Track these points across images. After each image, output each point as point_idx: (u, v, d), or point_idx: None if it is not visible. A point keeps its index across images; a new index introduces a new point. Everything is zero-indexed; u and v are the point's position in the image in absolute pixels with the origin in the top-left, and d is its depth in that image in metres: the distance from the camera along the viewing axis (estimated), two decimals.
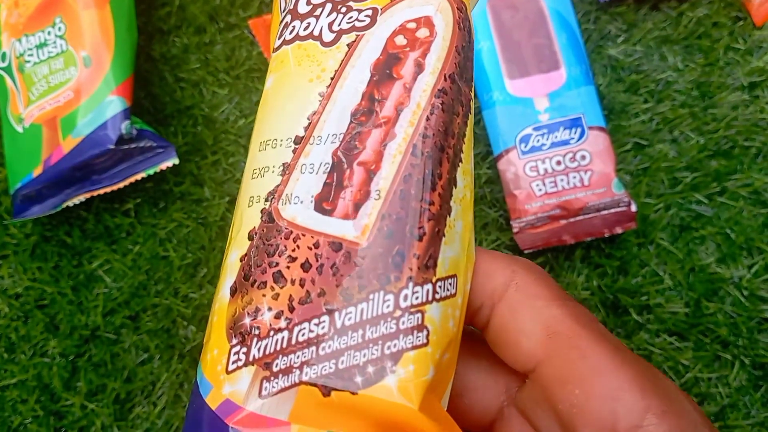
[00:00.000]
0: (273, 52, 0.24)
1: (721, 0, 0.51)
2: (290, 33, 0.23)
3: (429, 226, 0.20)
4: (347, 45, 0.22)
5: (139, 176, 0.43)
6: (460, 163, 0.21)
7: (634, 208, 0.45)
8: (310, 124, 0.21)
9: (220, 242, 0.46)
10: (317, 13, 0.23)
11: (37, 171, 0.42)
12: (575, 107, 0.45)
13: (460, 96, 0.22)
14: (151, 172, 0.43)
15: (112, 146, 0.41)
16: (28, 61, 0.43)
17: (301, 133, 0.21)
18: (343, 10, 0.23)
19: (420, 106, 0.21)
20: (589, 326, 0.21)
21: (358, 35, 0.22)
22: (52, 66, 0.43)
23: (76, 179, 0.43)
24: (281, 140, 0.21)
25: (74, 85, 0.42)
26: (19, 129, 0.43)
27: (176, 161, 0.43)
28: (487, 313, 0.21)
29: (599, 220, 0.45)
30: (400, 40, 0.22)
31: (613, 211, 0.45)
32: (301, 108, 0.22)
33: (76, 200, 0.43)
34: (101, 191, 0.43)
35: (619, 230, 0.45)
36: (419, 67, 0.22)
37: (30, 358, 0.45)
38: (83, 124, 0.41)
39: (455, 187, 0.21)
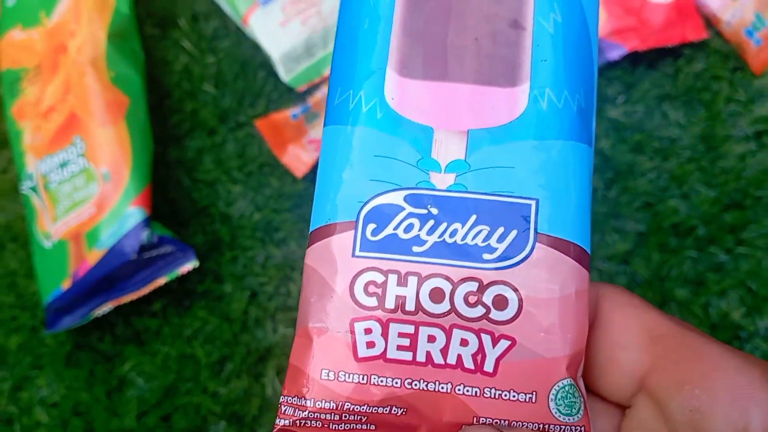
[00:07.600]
0: None
1: (717, 52, 0.52)
2: None
3: None
4: None
5: (161, 281, 0.45)
6: None
7: None
8: None
9: (245, 336, 0.47)
10: None
11: (66, 284, 0.44)
12: (526, 179, 0.20)
13: None
14: (172, 276, 0.45)
15: (134, 256, 0.43)
16: (53, 180, 0.46)
17: None
18: None
19: None
20: (692, 327, 0.19)
21: None
22: (74, 183, 0.45)
23: (103, 289, 0.45)
24: None
25: (96, 201, 0.44)
26: (48, 245, 0.46)
27: (196, 264, 0.45)
28: None
29: None
30: None
31: None
32: None
33: (104, 309, 0.45)
34: (126, 298, 0.45)
35: None
36: None
37: None
38: (106, 237, 0.43)
39: None
